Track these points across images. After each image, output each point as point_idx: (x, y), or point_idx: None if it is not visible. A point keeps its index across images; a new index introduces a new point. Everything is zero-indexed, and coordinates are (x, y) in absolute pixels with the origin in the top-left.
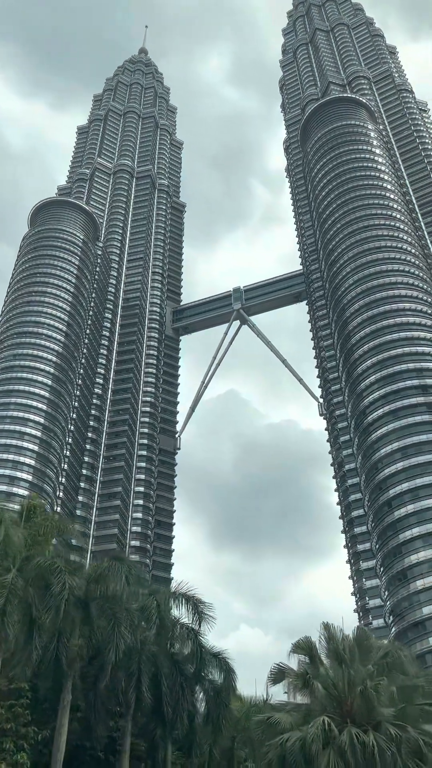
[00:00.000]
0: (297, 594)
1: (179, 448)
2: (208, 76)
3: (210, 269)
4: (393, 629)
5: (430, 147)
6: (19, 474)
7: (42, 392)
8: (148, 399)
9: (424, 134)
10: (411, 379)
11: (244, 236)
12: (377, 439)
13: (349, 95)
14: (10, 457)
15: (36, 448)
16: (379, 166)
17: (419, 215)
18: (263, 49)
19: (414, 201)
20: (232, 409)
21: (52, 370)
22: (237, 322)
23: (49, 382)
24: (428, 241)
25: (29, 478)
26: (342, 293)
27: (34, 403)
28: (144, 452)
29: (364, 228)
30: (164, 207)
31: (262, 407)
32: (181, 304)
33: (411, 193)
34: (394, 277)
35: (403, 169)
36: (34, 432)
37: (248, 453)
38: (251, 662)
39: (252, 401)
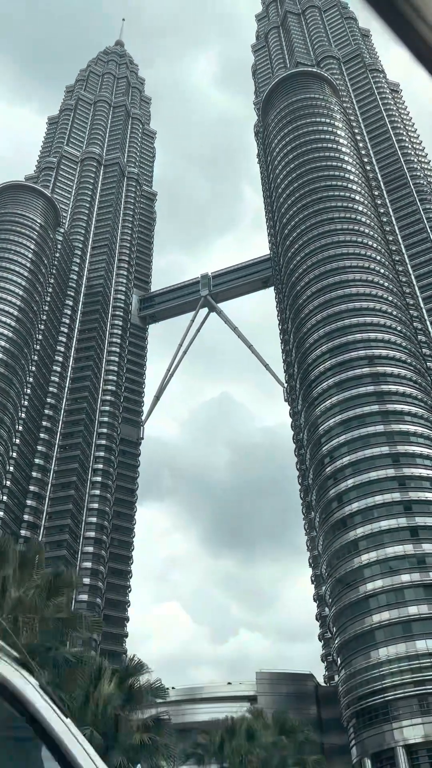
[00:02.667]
0: (295, 597)
1: (142, 438)
2: (196, 80)
3: (199, 269)
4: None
5: (399, 125)
6: None
7: None
8: (110, 387)
9: (394, 113)
10: (357, 350)
11: (234, 240)
12: (321, 414)
13: (311, 69)
14: None
15: None
16: (339, 140)
17: (384, 192)
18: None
19: (380, 179)
20: (226, 412)
21: (0, 356)
22: (205, 309)
23: (1, 370)
24: (392, 218)
25: None
26: (296, 277)
27: None
28: (103, 441)
29: (319, 210)
30: (133, 195)
31: (256, 409)
32: (149, 292)
33: (377, 171)
34: (348, 260)
35: (370, 148)
36: None
37: (243, 456)
38: (252, 666)
39: (245, 403)
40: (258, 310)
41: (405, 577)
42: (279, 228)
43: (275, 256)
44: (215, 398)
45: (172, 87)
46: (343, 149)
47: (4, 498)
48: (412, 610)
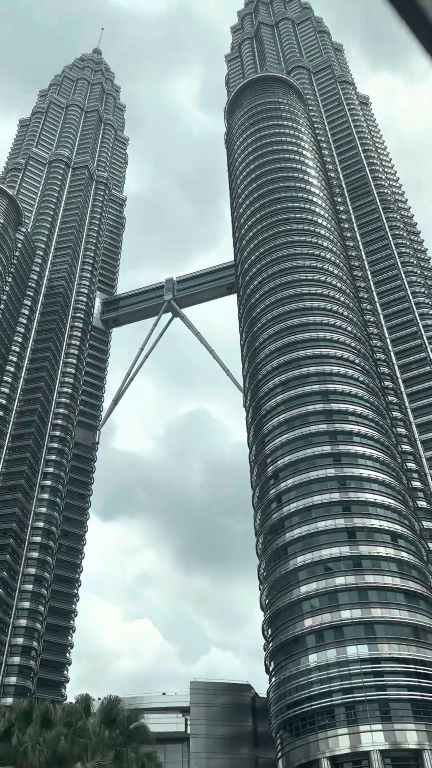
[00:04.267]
0: None
1: (98, 442)
2: (177, 98)
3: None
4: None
5: (366, 135)
6: None
7: None
8: (66, 390)
9: (362, 123)
10: (305, 348)
11: (215, 257)
12: (266, 413)
13: (277, 75)
14: None
15: None
16: (302, 143)
17: (348, 200)
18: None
19: (344, 188)
20: (201, 428)
21: None
22: (169, 314)
23: None
24: (354, 225)
25: None
26: (252, 286)
27: None
28: (56, 445)
29: (276, 220)
30: (101, 198)
31: (232, 424)
32: (114, 295)
33: (342, 179)
34: (303, 269)
35: (335, 156)
36: None
37: (217, 473)
38: None
39: (221, 417)
40: (228, 316)
41: (340, 580)
42: (238, 234)
43: (236, 264)
44: (190, 413)
45: (154, 105)
46: (306, 154)
47: None
48: (345, 614)
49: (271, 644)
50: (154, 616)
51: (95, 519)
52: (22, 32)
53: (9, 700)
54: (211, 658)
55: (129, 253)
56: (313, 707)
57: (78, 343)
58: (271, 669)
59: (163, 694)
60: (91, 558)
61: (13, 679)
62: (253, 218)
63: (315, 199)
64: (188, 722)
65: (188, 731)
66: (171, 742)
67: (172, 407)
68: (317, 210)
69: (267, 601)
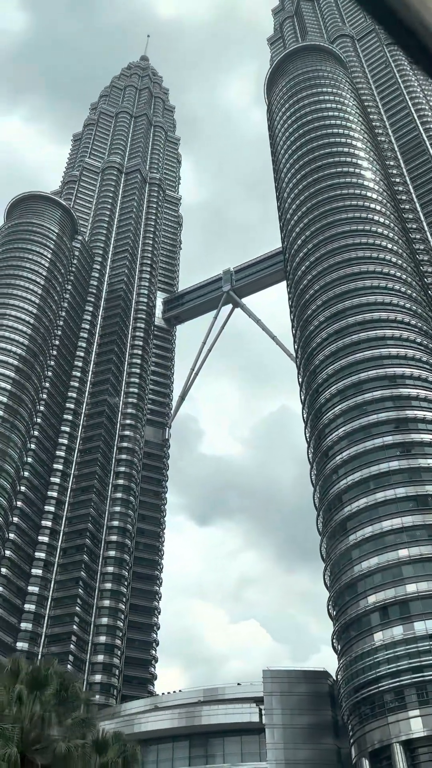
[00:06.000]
0: None
1: (168, 439)
2: (231, 100)
3: None
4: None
5: (418, 95)
6: None
7: (3, 384)
8: (133, 390)
9: (413, 84)
10: (360, 331)
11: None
12: (319, 385)
13: (316, 44)
14: None
15: None
16: (346, 110)
17: (401, 163)
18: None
19: (397, 151)
20: (286, 426)
21: (16, 362)
22: (229, 306)
23: (12, 374)
24: (411, 192)
25: None
26: (298, 261)
27: None
28: (126, 444)
29: (324, 198)
30: (155, 200)
31: None
32: (173, 293)
33: (394, 142)
34: (352, 238)
35: (385, 120)
36: None
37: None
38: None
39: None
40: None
41: (403, 553)
42: (283, 207)
43: (282, 237)
44: (274, 412)
45: (208, 107)
46: (351, 119)
47: (19, 504)
48: (411, 588)
49: (336, 624)
50: (261, 617)
51: (192, 525)
52: (71, 52)
53: (96, 698)
54: (323, 657)
55: (192, 253)
56: (381, 689)
57: (141, 343)
58: (338, 651)
59: (238, 684)
60: (192, 563)
61: (98, 677)
62: (297, 189)
63: (361, 162)
64: (262, 712)
65: (263, 721)
66: (246, 733)
67: (255, 407)
68: (364, 173)
69: (330, 580)
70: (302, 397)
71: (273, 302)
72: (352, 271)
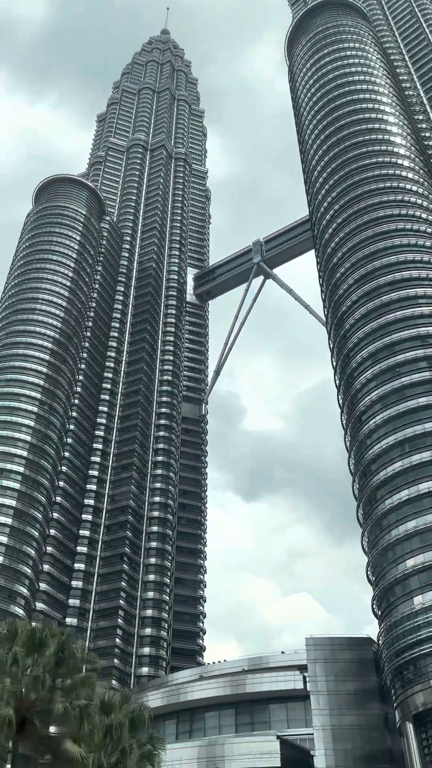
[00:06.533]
0: None
1: (205, 414)
2: (256, 70)
3: None
4: None
5: None
6: (13, 450)
7: (39, 367)
8: (167, 368)
9: None
10: (390, 291)
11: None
12: (350, 349)
13: None
14: (4, 433)
15: (32, 423)
16: (370, 63)
17: (431, 116)
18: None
19: (427, 106)
20: (328, 397)
21: (50, 346)
22: (261, 277)
23: (48, 358)
24: None
25: (24, 454)
26: (325, 223)
27: (30, 379)
28: (163, 421)
29: (348, 147)
30: (182, 175)
31: None
32: (204, 268)
33: (423, 98)
34: (378, 197)
35: (413, 73)
36: (29, 407)
37: None
38: None
39: None
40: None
41: None
42: (309, 178)
43: (309, 201)
44: (315, 385)
45: (233, 79)
46: (375, 73)
47: (61, 483)
48: None
49: (376, 589)
50: (313, 589)
51: (239, 501)
52: (92, 34)
53: (145, 670)
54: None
55: (221, 228)
56: (423, 652)
57: (174, 320)
58: (378, 616)
59: (282, 653)
60: (240, 539)
61: (146, 650)
62: (321, 150)
63: (388, 118)
64: (306, 679)
65: (308, 688)
66: (292, 700)
67: (295, 381)
68: (390, 129)
69: (368, 545)
70: (333, 363)
71: (306, 273)
72: (381, 230)
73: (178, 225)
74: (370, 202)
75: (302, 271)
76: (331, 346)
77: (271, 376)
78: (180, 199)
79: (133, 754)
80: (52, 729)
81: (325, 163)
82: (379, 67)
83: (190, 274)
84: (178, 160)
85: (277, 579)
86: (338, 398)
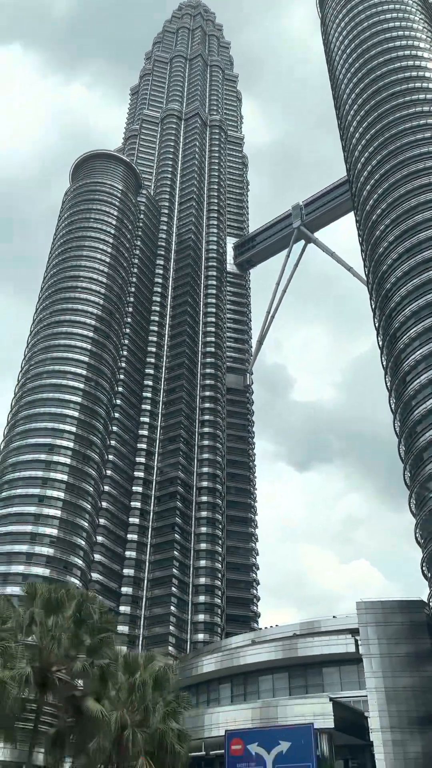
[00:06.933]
0: None
1: (250, 384)
2: (293, 33)
3: None
4: None
5: None
6: (63, 426)
7: (83, 344)
8: (210, 339)
9: None
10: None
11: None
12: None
13: None
14: (54, 409)
15: (80, 399)
16: (408, 7)
17: None
18: None
19: None
20: (379, 364)
21: (94, 323)
22: (302, 242)
23: (91, 335)
24: None
25: (73, 429)
26: (363, 180)
27: (76, 356)
28: (208, 393)
29: (384, 98)
30: (218, 142)
31: None
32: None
33: None
34: (418, 148)
35: None
36: (76, 384)
37: None
38: None
39: None
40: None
41: None
42: (345, 134)
43: (347, 166)
44: (365, 352)
45: (267, 42)
46: (412, 17)
47: (110, 457)
48: None
49: (425, 551)
50: (371, 557)
51: (292, 471)
52: (122, 6)
53: (200, 636)
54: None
55: (260, 195)
56: None
57: (215, 291)
58: (428, 577)
59: (334, 617)
60: (295, 509)
61: (201, 617)
62: (356, 104)
63: (427, 65)
64: (359, 642)
65: (360, 651)
66: (344, 663)
67: (344, 349)
68: (429, 75)
69: (416, 506)
70: (376, 324)
71: (349, 235)
72: (421, 183)
73: (216, 194)
74: (408, 154)
75: (345, 234)
76: (373, 306)
77: (319, 344)
78: (216, 167)
79: (158, 712)
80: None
81: (361, 117)
82: (416, 11)
83: (230, 243)
84: (213, 127)
85: (333, 547)
86: (381, 360)
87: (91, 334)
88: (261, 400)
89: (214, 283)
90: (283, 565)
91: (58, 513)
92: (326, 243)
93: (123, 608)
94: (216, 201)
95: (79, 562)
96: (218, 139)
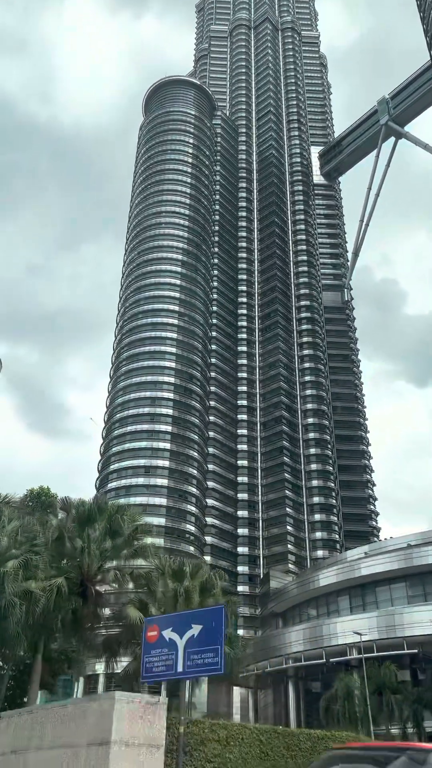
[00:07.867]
0: None
1: (350, 300)
2: None
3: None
4: None
5: None
6: (162, 363)
7: (173, 281)
8: (302, 258)
9: None
10: None
11: None
12: None
13: None
14: (150, 348)
15: (174, 335)
16: None
17: None
18: None
19: None
20: None
21: (181, 257)
22: (392, 139)
23: (179, 269)
24: None
25: (173, 365)
26: None
27: (167, 293)
28: (305, 314)
29: None
30: (291, 45)
31: None
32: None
33: None
34: None
35: None
36: (169, 320)
37: None
38: None
39: None
40: None
41: None
42: (427, 15)
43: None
44: None
45: None
46: None
47: (212, 388)
48: None
49: None
50: None
51: (412, 388)
52: None
53: (320, 553)
54: None
55: (344, 96)
56: None
57: (303, 206)
58: None
59: None
60: (420, 425)
61: (319, 534)
62: None
63: None
64: None
65: None
66: None
67: None
68: None
69: None
70: None
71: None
72: None
73: (294, 102)
74: None
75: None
76: None
77: (429, 253)
78: (293, 73)
79: None
80: (114, 600)
81: None
82: None
83: (314, 153)
84: (285, 30)
85: None
86: None
87: (179, 269)
88: (372, 319)
89: (302, 198)
90: (414, 481)
91: (168, 446)
92: (419, 136)
93: (240, 530)
94: (295, 110)
95: (194, 490)
96: (291, 42)
